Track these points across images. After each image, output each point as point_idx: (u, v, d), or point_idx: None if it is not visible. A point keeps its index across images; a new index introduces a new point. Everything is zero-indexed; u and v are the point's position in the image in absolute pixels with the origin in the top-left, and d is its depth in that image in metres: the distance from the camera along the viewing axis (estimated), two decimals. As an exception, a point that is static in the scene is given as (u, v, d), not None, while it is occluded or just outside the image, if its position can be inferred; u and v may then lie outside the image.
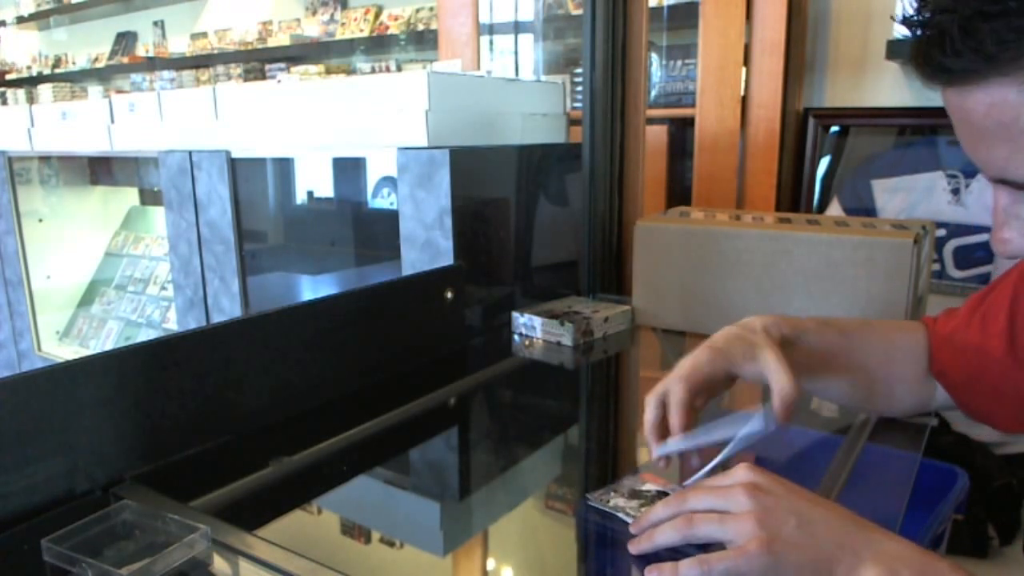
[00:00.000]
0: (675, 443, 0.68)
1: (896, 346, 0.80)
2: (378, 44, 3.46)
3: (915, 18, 0.43)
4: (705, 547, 0.58)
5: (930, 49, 0.43)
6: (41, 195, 2.44)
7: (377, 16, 3.48)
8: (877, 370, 0.80)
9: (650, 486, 0.71)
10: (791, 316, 0.77)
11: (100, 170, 2.47)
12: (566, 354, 1.18)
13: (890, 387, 0.81)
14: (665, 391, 0.69)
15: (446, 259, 1.29)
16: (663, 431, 0.69)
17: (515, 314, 1.26)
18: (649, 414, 0.70)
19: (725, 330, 0.73)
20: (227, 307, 1.76)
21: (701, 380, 0.68)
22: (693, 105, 1.98)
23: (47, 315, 2.46)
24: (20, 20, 5.11)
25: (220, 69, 4.12)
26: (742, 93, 1.89)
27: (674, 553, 0.60)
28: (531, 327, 1.23)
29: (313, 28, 3.68)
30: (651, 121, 1.75)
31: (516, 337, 1.25)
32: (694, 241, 1.22)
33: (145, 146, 1.87)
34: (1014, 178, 0.45)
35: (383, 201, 1.61)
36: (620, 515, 0.66)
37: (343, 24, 3.57)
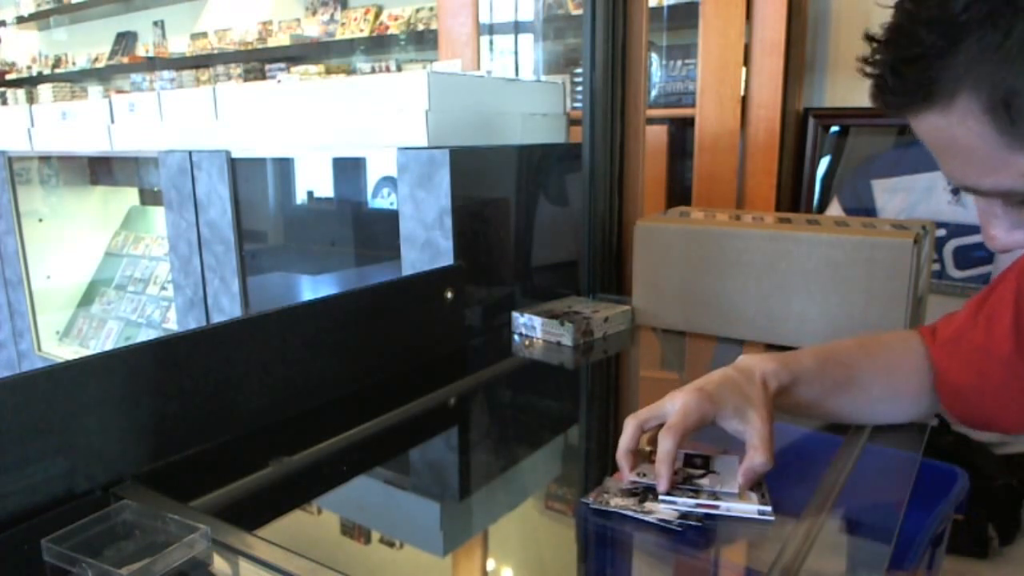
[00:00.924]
0: (649, 482, 0.69)
1: (896, 365, 0.81)
2: (378, 44, 3.46)
3: (867, 61, 0.52)
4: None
5: (875, 88, 0.52)
6: (41, 195, 2.44)
7: (377, 16, 3.48)
8: (880, 393, 0.81)
9: (634, 479, 0.70)
10: (791, 356, 0.77)
11: (100, 170, 2.47)
12: (566, 354, 1.18)
13: (894, 404, 0.82)
14: (650, 432, 0.71)
15: (446, 259, 1.29)
16: (635, 458, 0.71)
17: (515, 314, 1.26)
18: (626, 440, 0.70)
19: (722, 373, 0.73)
20: (227, 307, 1.76)
21: (690, 429, 0.68)
22: (693, 105, 1.98)
23: (47, 315, 2.46)
24: (20, 20, 5.11)
25: (220, 69, 4.12)
26: (742, 93, 1.89)
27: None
28: (531, 327, 1.23)
29: (313, 28, 3.68)
30: (651, 121, 1.75)
31: (516, 337, 1.25)
32: (694, 241, 1.22)
33: (145, 146, 1.87)
34: (973, 186, 0.51)
35: (383, 201, 1.61)
36: (629, 513, 0.66)
37: (343, 24, 3.57)
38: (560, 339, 1.20)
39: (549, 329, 1.21)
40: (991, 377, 0.74)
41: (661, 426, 0.69)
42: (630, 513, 0.66)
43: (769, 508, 0.65)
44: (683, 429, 0.67)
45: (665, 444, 0.67)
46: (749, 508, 0.65)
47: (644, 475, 0.70)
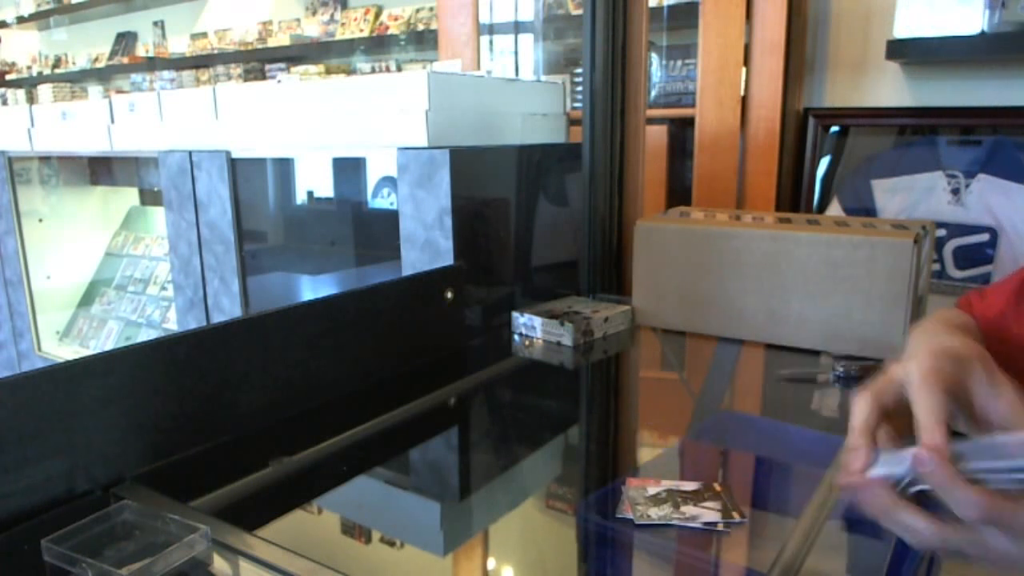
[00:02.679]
0: (893, 468, 0.51)
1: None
2: (378, 44, 3.46)
3: None
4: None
5: None
6: (41, 195, 2.44)
7: (377, 16, 3.48)
8: None
9: (656, 488, 0.70)
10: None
11: (100, 170, 2.47)
12: (566, 354, 1.18)
13: None
14: (900, 387, 0.54)
15: (446, 259, 1.29)
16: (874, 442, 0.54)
17: (515, 314, 1.26)
18: (864, 415, 0.55)
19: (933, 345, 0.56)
20: (227, 307, 1.76)
21: (948, 381, 0.52)
22: (693, 105, 1.97)
23: (47, 315, 2.46)
24: (20, 20, 5.10)
25: (220, 69, 4.12)
26: (742, 93, 1.89)
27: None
28: (531, 327, 1.23)
29: (313, 28, 3.68)
30: (651, 121, 1.75)
31: (516, 337, 1.25)
32: (694, 241, 1.22)
33: (145, 146, 1.87)
34: None
35: (383, 201, 1.61)
36: (676, 523, 0.65)
37: (343, 24, 3.57)
38: (560, 339, 1.20)
39: (549, 329, 1.21)
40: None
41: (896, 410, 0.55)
42: (677, 523, 0.65)
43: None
44: (943, 378, 0.51)
45: (927, 398, 0.50)
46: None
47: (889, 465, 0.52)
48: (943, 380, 0.51)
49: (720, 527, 0.64)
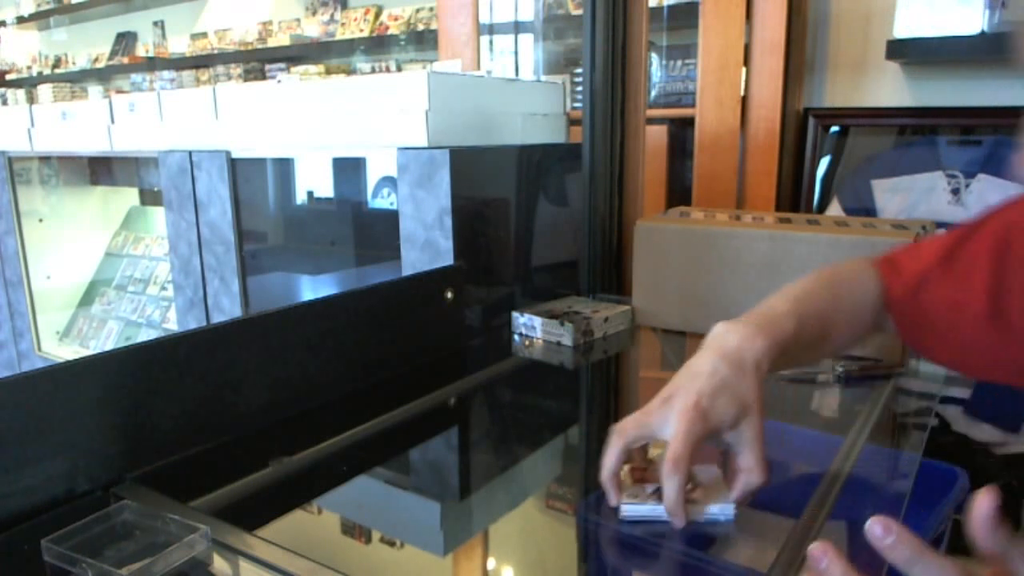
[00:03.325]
0: (639, 509, 0.64)
1: (859, 307, 0.77)
2: (378, 44, 3.46)
3: None
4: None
5: None
6: (41, 195, 2.44)
7: (377, 16, 3.48)
8: (845, 341, 0.78)
9: (628, 503, 0.67)
10: (775, 324, 0.70)
11: (100, 170, 2.47)
12: (566, 354, 1.18)
13: (851, 343, 0.79)
14: (650, 434, 0.65)
15: (446, 259, 1.29)
16: (619, 481, 0.66)
17: (515, 314, 1.26)
18: (612, 461, 0.64)
19: (712, 367, 0.65)
20: (227, 307, 1.76)
21: (693, 457, 0.62)
22: (693, 105, 1.98)
23: (47, 315, 2.46)
24: (20, 20, 5.11)
25: (220, 69, 4.12)
26: (742, 93, 1.89)
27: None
28: (531, 327, 1.23)
29: (313, 28, 3.68)
30: (651, 121, 1.75)
31: (516, 337, 1.25)
32: (694, 241, 1.22)
33: (145, 146, 1.87)
34: None
35: (383, 201, 1.61)
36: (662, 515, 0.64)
37: (343, 24, 3.57)
38: (560, 339, 1.20)
39: (549, 329, 1.21)
40: (961, 329, 0.71)
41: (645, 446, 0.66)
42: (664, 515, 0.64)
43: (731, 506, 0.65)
44: (688, 462, 0.61)
45: (672, 483, 0.61)
46: (720, 508, 0.65)
47: (635, 497, 0.65)
48: (691, 456, 0.61)
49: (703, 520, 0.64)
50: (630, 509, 0.65)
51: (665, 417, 0.64)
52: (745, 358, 0.66)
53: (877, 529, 0.43)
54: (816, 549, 0.45)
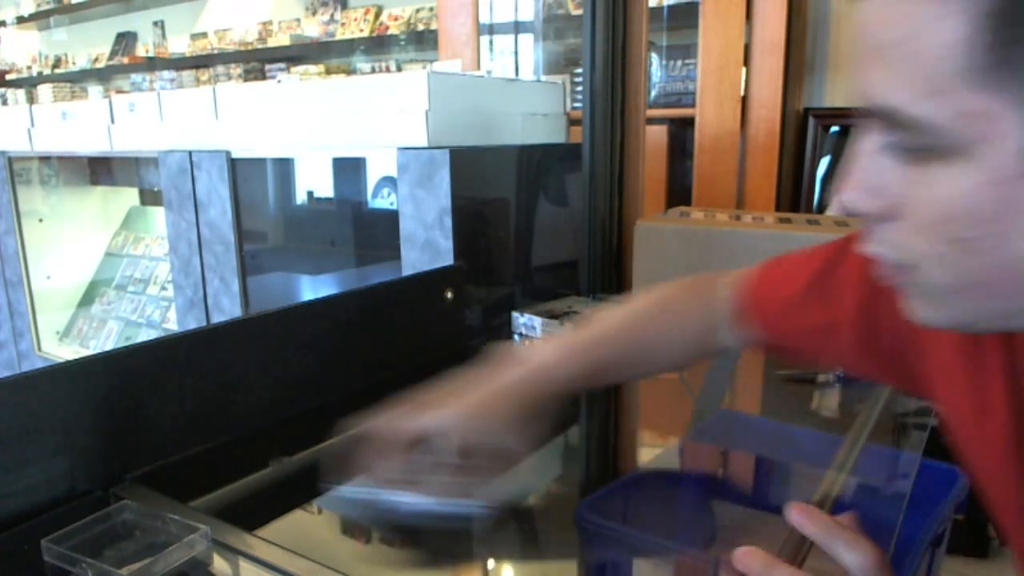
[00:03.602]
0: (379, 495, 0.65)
1: (689, 328, 0.76)
2: (378, 44, 3.46)
3: None
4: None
5: None
6: (41, 195, 2.44)
7: (377, 16, 3.48)
8: (660, 357, 0.77)
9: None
10: (559, 365, 0.71)
11: (100, 170, 2.47)
12: (566, 354, 1.18)
13: (674, 361, 0.79)
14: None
15: (446, 259, 1.29)
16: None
17: (515, 314, 1.26)
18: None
19: (484, 393, 0.68)
20: (227, 307, 1.76)
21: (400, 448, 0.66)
22: (693, 105, 1.98)
23: (47, 315, 2.46)
24: (20, 20, 5.10)
25: (220, 69, 4.12)
26: (742, 93, 1.90)
27: None
28: (531, 327, 1.23)
29: (313, 28, 3.69)
30: (651, 121, 1.75)
31: (516, 337, 1.25)
32: (694, 241, 1.22)
33: (145, 146, 1.87)
34: (891, 108, 0.40)
35: (383, 201, 1.61)
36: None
37: (343, 24, 3.57)
38: None
39: (549, 329, 1.21)
40: (831, 351, 0.69)
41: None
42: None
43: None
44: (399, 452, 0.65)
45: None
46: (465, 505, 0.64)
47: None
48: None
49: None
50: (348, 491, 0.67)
51: (442, 418, 0.67)
52: (510, 393, 0.68)
53: (794, 514, 0.46)
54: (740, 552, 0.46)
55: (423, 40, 3.28)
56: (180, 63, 4.35)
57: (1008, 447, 0.49)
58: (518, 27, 2.55)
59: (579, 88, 1.67)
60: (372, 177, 1.66)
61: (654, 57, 2.24)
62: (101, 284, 2.63)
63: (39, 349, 2.43)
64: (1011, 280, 0.39)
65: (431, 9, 3.23)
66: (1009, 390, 0.49)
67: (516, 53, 2.56)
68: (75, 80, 5.07)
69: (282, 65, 3.78)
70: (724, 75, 1.89)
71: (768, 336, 0.72)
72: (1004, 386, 0.49)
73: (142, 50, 4.72)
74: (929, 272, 0.41)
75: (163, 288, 2.41)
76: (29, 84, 5.33)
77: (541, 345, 0.72)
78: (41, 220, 2.41)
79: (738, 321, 0.73)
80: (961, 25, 0.35)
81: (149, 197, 2.58)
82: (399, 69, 3.40)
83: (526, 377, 0.69)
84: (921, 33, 0.37)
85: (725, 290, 0.75)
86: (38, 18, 5.03)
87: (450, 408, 0.67)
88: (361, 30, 3.48)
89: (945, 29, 0.35)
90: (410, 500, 0.64)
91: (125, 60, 4.67)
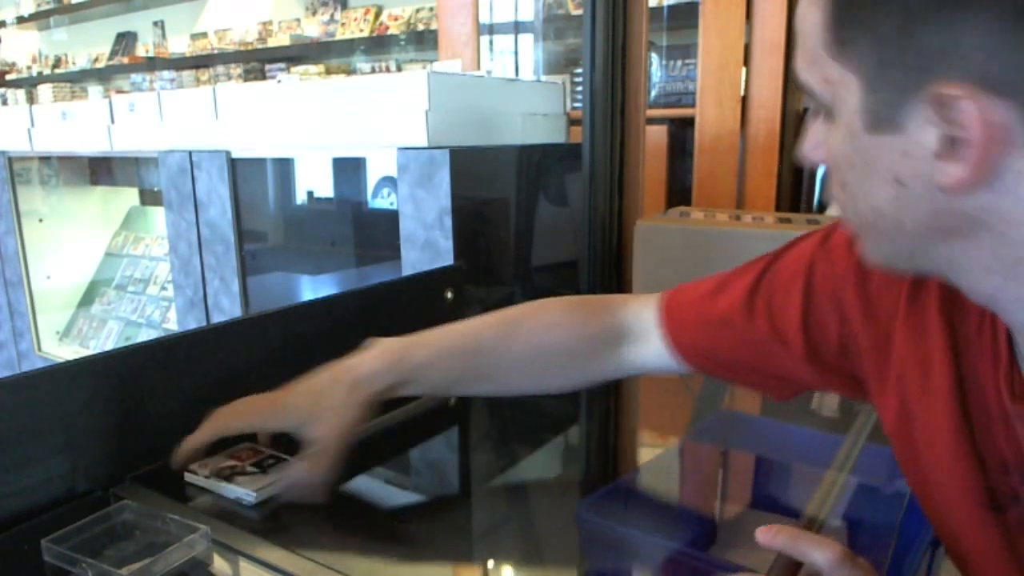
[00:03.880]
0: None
1: (554, 345, 0.74)
2: (378, 44, 3.46)
3: None
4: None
5: None
6: (41, 195, 2.44)
7: (377, 16, 3.48)
8: (509, 374, 0.75)
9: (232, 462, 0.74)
10: (409, 350, 0.72)
11: (100, 170, 2.47)
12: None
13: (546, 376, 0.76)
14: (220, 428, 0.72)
15: (446, 259, 1.29)
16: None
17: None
18: (201, 439, 0.71)
19: (321, 375, 0.72)
20: (227, 307, 1.76)
21: (231, 430, 0.73)
22: (693, 105, 1.98)
23: (47, 315, 2.46)
24: (20, 20, 5.10)
25: (220, 69, 4.12)
26: (742, 93, 1.89)
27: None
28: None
29: (313, 28, 3.69)
30: (651, 121, 1.75)
31: None
32: (694, 241, 1.22)
33: (145, 146, 1.87)
34: (796, 74, 0.50)
35: (383, 201, 1.61)
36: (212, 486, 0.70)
37: (343, 24, 3.57)
38: None
39: None
40: (771, 368, 0.67)
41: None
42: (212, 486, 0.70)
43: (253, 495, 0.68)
44: (221, 431, 0.71)
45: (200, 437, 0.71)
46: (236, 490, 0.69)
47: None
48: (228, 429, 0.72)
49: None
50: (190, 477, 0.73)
51: (256, 406, 0.74)
52: (351, 372, 0.72)
53: (760, 537, 0.51)
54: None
55: (423, 40, 3.28)
56: (180, 63, 4.35)
57: (951, 406, 0.52)
58: (518, 27, 2.55)
59: (579, 88, 1.67)
60: (372, 177, 1.66)
61: (654, 57, 2.24)
62: (101, 284, 2.63)
63: (39, 349, 2.43)
64: (886, 222, 0.47)
65: (431, 9, 3.23)
66: (950, 351, 0.53)
67: (516, 53, 2.56)
68: (75, 80, 5.07)
69: (282, 65, 3.78)
70: (724, 75, 1.89)
71: (696, 351, 0.69)
72: (945, 348, 0.53)
73: (142, 50, 4.72)
74: (844, 213, 0.51)
75: (163, 288, 2.41)
76: (29, 84, 5.33)
77: (375, 347, 0.73)
78: (41, 220, 2.41)
79: (662, 335, 0.70)
80: (820, 11, 0.46)
81: (149, 197, 2.58)
82: (399, 69, 3.40)
83: (340, 378, 0.71)
84: (805, 18, 0.48)
85: (640, 306, 0.73)
86: (38, 18, 5.03)
87: (260, 400, 0.73)
88: (361, 30, 3.48)
89: (812, 14, 0.47)
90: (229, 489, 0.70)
91: (125, 60, 4.68)
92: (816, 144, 0.51)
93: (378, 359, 0.72)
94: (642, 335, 0.71)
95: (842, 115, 0.46)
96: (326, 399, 0.70)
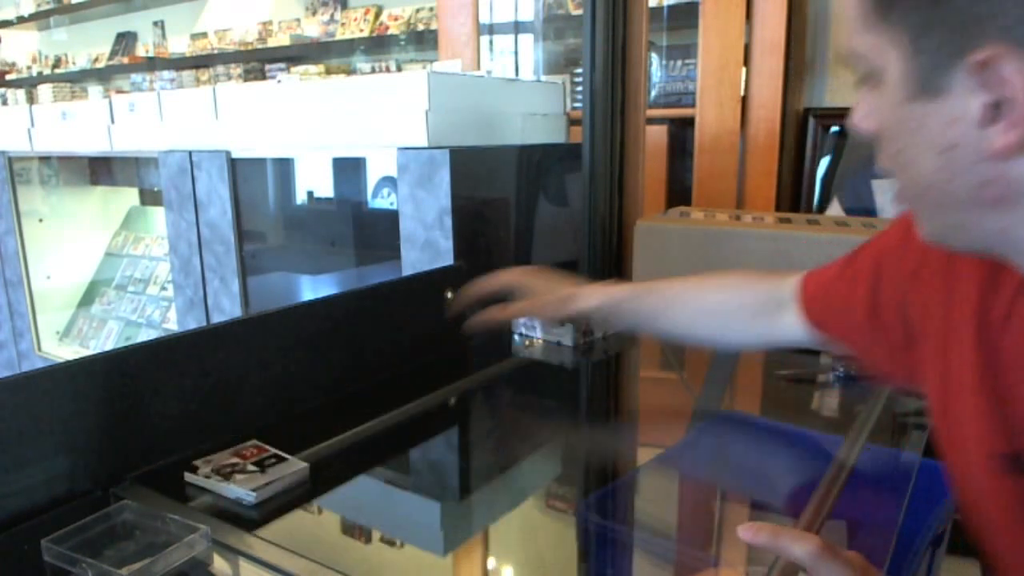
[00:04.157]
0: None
1: (744, 294, 0.84)
2: (378, 44, 3.46)
3: None
4: None
5: None
6: (41, 195, 2.44)
7: (377, 16, 3.48)
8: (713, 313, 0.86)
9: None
10: (625, 288, 0.90)
11: (100, 170, 2.47)
12: (566, 354, 1.18)
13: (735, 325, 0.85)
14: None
15: (446, 259, 1.29)
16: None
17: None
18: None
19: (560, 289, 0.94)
20: (227, 307, 1.76)
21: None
22: (693, 105, 1.98)
23: (47, 315, 2.46)
24: (20, 20, 5.10)
25: (220, 69, 4.12)
26: (742, 93, 1.89)
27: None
28: (531, 327, 1.23)
29: (313, 28, 3.68)
30: (651, 121, 1.75)
31: (516, 337, 1.25)
32: (694, 241, 1.22)
33: (145, 146, 1.87)
34: (848, 43, 0.51)
35: (383, 201, 1.61)
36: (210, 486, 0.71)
37: (343, 24, 3.57)
38: (560, 339, 1.20)
39: (549, 329, 1.21)
40: (851, 330, 0.73)
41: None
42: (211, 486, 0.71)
43: (252, 495, 0.69)
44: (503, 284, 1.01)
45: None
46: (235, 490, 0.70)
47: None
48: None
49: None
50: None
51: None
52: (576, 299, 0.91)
53: (742, 534, 0.51)
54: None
55: (423, 40, 3.28)
56: (180, 63, 4.35)
57: (974, 381, 0.54)
58: (518, 27, 2.55)
59: (579, 88, 1.67)
60: (372, 177, 1.66)
61: (654, 57, 2.24)
62: (101, 284, 2.63)
63: (39, 349, 2.43)
64: (935, 193, 0.47)
65: (431, 9, 3.22)
66: (978, 329, 0.54)
67: (516, 53, 2.56)
68: (75, 80, 5.07)
69: (282, 65, 3.78)
70: (724, 75, 1.89)
71: (816, 318, 0.77)
72: (973, 326, 0.54)
73: (142, 50, 4.72)
74: (897, 188, 0.51)
75: (163, 288, 2.41)
76: (29, 84, 5.33)
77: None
78: (41, 220, 2.41)
79: (798, 305, 0.79)
80: None
81: (149, 197, 2.58)
82: (399, 69, 3.40)
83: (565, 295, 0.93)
84: None
85: (791, 278, 0.82)
86: (38, 18, 5.02)
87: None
88: (361, 30, 3.48)
89: None
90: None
91: (125, 60, 4.67)
92: (866, 114, 0.51)
93: (594, 291, 0.91)
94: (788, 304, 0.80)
95: (888, 83, 0.47)
96: (555, 304, 0.92)
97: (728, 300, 0.85)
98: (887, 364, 0.70)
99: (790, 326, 0.80)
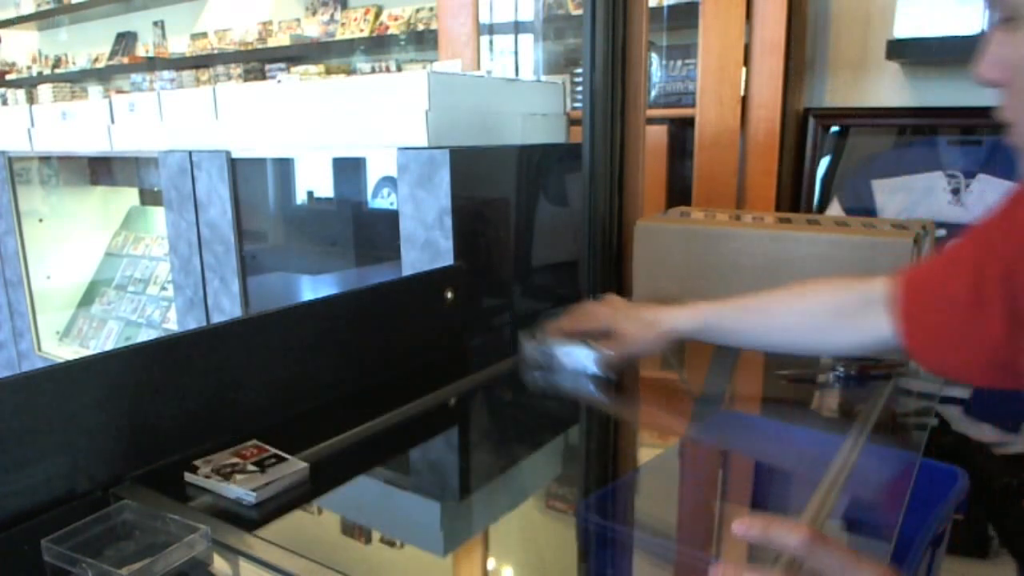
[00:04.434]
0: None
1: (829, 303, 0.85)
2: (378, 44, 3.46)
3: None
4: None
5: None
6: (41, 195, 2.44)
7: (377, 16, 3.48)
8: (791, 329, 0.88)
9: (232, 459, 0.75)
10: (715, 306, 0.91)
11: (100, 170, 2.47)
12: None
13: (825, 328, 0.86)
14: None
15: (446, 259, 1.29)
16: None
17: (525, 342, 1.10)
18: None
19: (644, 314, 0.96)
20: (227, 307, 1.76)
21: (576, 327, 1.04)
22: (693, 105, 1.97)
23: (47, 315, 2.46)
24: (20, 20, 5.10)
25: (220, 69, 4.11)
26: (742, 93, 1.89)
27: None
28: (548, 355, 1.08)
29: (313, 28, 3.68)
30: (651, 121, 1.75)
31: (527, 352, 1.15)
32: (694, 241, 1.22)
33: (145, 146, 1.87)
34: None
35: (383, 201, 1.61)
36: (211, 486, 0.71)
37: (343, 24, 3.57)
38: (585, 367, 1.05)
39: (569, 351, 1.06)
40: (973, 347, 0.70)
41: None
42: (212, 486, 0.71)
43: (253, 495, 0.69)
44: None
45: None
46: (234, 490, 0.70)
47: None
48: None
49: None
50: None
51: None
52: (660, 322, 0.95)
53: (735, 529, 0.52)
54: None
55: (423, 40, 3.28)
56: (180, 63, 4.34)
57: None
58: (518, 27, 2.55)
59: (579, 88, 1.67)
60: (372, 177, 1.66)
61: (654, 57, 2.24)
62: (101, 284, 2.62)
63: (39, 349, 2.43)
64: None
65: (431, 9, 3.22)
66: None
67: (516, 53, 2.56)
68: (75, 80, 5.07)
69: (282, 65, 3.78)
70: (724, 75, 1.89)
71: (908, 323, 0.75)
72: None
73: (142, 50, 4.72)
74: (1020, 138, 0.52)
75: (163, 288, 2.41)
76: (29, 84, 5.32)
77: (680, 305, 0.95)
78: (41, 220, 2.41)
79: (890, 308, 0.77)
80: None
81: (149, 197, 2.58)
82: (399, 69, 3.40)
83: (652, 321, 0.95)
84: None
85: (881, 280, 0.81)
86: (38, 18, 5.02)
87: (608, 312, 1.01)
88: (361, 30, 3.48)
89: None
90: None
91: (125, 60, 4.67)
92: (995, 62, 0.50)
93: (682, 312, 0.93)
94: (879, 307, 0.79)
95: None
96: (641, 330, 0.95)
97: (824, 303, 0.86)
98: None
99: (880, 327, 0.79)
